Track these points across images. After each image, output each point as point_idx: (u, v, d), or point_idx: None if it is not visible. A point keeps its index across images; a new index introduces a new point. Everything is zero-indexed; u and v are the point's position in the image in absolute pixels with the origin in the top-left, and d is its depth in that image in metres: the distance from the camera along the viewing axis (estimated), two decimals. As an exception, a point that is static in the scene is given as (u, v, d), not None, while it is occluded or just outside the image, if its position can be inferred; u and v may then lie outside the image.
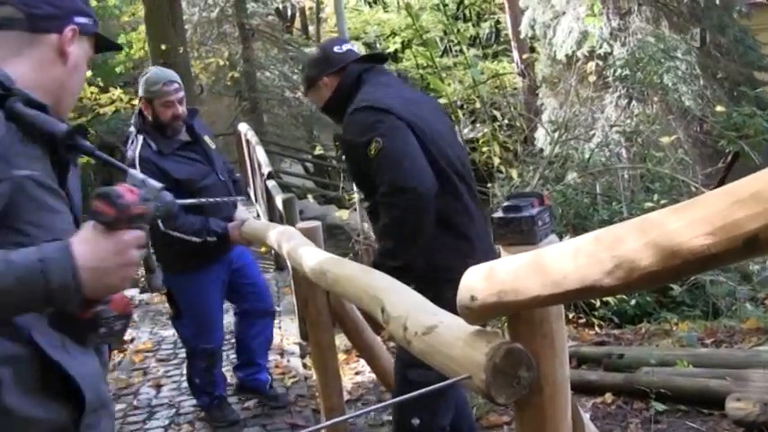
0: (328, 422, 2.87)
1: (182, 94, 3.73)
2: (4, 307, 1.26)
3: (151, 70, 3.85)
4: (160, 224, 3.48)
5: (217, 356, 4.07)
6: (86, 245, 1.31)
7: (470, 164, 2.78)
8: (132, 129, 3.76)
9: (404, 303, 1.80)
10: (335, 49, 2.70)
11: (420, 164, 2.37)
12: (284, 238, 2.99)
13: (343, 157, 2.67)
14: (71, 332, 1.41)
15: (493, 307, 1.48)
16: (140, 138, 3.65)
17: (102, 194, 1.36)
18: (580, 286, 1.20)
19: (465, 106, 14.09)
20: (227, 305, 4.21)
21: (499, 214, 1.54)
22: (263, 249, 8.60)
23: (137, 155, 3.57)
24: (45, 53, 1.58)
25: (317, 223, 3.21)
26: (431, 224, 2.40)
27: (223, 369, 4.24)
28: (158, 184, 1.47)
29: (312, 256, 2.67)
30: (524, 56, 13.55)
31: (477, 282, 1.51)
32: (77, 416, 1.45)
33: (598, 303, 5.35)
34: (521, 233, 1.52)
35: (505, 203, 1.56)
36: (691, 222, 0.92)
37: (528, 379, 1.33)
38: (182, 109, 3.71)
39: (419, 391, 1.45)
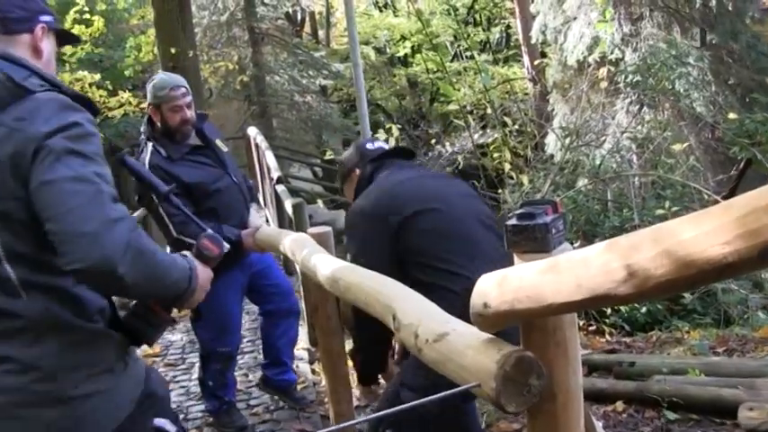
0: (337, 426, 2.87)
1: (189, 98, 3.74)
2: (161, 288, 1.75)
3: (158, 76, 3.86)
4: (173, 230, 3.49)
5: (232, 360, 4.10)
6: (199, 269, 1.95)
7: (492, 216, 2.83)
8: (142, 137, 3.77)
9: (415, 311, 1.81)
10: (368, 145, 2.92)
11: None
12: (297, 246, 3.00)
13: None
14: (148, 322, 1.94)
15: (506, 314, 1.49)
16: (149, 145, 3.66)
17: (211, 237, 2.14)
18: (594, 295, 1.20)
19: (475, 112, 14.11)
20: (250, 306, 4.24)
21: (513, 222, 1.55)
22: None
23: (146, 162, 3.57)
24: (22, 52, 1.78)
25: (328, 229, 3.22)
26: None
27: (236, 373, 4.26)
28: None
29: (325, 264, 2.68)
30: (536, 61, 13.55)
31: (491, 289, 1.52)
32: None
33: (609, 311, 5.34)
34: (534, 241, 1.52)
35: (519, 211, 1.57)
36: (707, 231, 0.93)
37: (538, 387, 1.33)
38: (190, 113, 3.72)
39: (420, 400, 1.46)
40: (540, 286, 1.34)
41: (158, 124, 3.72)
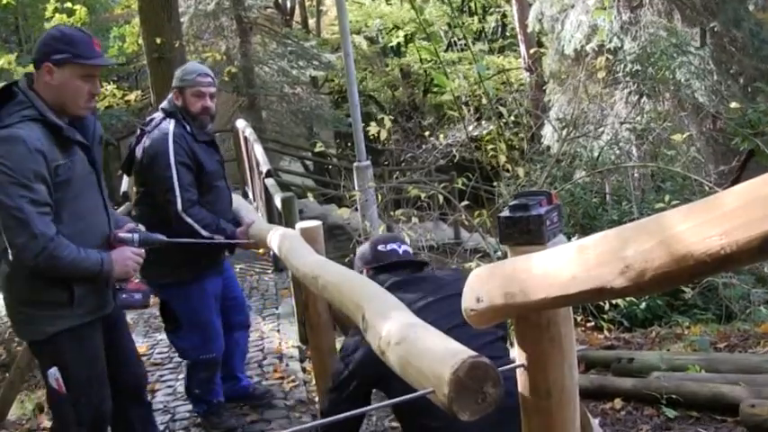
0: (320, 421, 2.86)
1: (214, 89, 3.88)
2: (75, 273, 2.72)
3: (188, 63, 4.09)
4: (179, 205, 3.62)
5: (218, 365, 4.09)
6: (113, 255, 2.84)
7: None
8: (158, 114, 3.87)
9: (383, 312, 1.80)
10: (380, 247, 2.91)
11: None
12: (282, 241, 3.00)
13: None
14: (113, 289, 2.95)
15: (499, 309, 1.48)
16: (172, 120, 3.76)
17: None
18: (589, 288, 1.20)
19: (470, 102, 14.10)
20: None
21: (506, 213, 1.54)
22: (261, 251, 8.62)
23: (171, 131, 3.69)
24: (41, 81, 2.75)
25: (318, 223, 3.21)
26: None
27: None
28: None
29: (305, 260, 2.68)
30: (532, 50, 13.55)
31: (483, 283, 1.51)
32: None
33: (607, 306, 5.34)
34: (528, 233, 1.52)
35: (513, 202, 1.56)
36: (705, 222, 0.92)
37: (494, 395, 1.30)
38: (212, 104, 3.85)
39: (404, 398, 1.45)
40: (533, 279, 1.34)
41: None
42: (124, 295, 2.93)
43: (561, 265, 1.26)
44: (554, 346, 1.52)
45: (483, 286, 1.50)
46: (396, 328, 1.68)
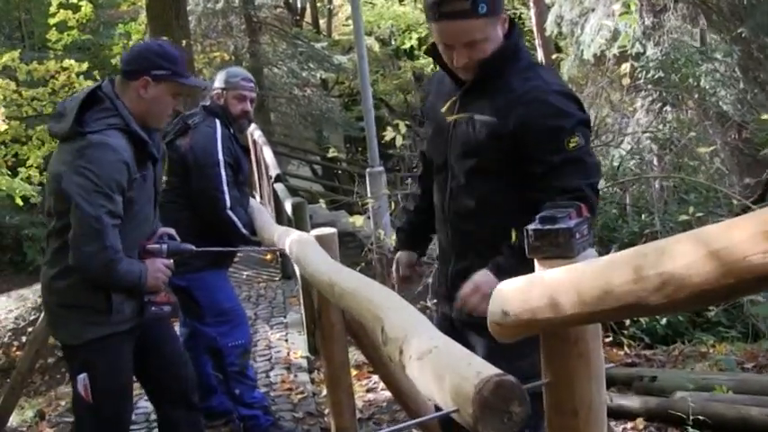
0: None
1: (254, 95, 4.08)
2: (121, 285, 2.80)
3: (232, 66, 4.41)
4: (228, 203, 3.76)
5: (249, 354, 4.16)
6: (149, 270, 2.89)
7: None
8: (199, 111, 4.01)
9: (403, 325, 1.79)
10: None
11: None
12: (296, 245, 3.01)
13: None
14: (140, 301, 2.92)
15: (527, 324, 1.49)
16: (216, 119, 3.89)
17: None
18: (623, 304, 1.20)
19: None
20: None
21: (535, 225, 1.54)
22: (268, 257, 8.64)
23: (218, 131, 3.83)
24: (131, 91, 2.83)
25: (333, 230, 3.22)
26: None
27: None
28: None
29: (320, 267, 2.68)
30: (553, 56, 13.53)
31: (511, 296, 1.52)
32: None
33: (628, 321, 5.32)
34: (557, 246, 1.51)
35: (541, 214, 1.56)
36: (749, 237, 0.92)
37: (520, 415, 1.29)
38: (251, 109, 4.04)
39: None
40: (563, 294, 1.34)
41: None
42: (153, 308, 2.96)
43: (593, 280, 1.26)
44: (582, 362, 1.52)
45: (510, 300, 1.51)
46: (417, 343, 1.68)
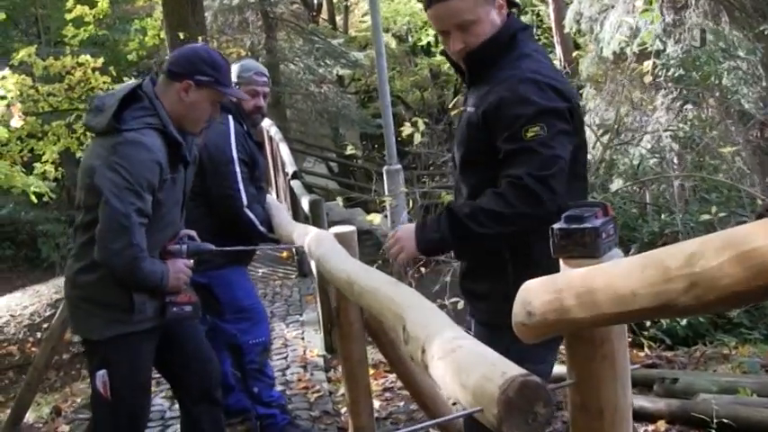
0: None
1: (268, 89, 4.07)
2: (143, 284, 2.82)
3: (245, 60, 4.26)
4: (245, 201, 3.76)
5: (269, 352, 4.17)
6: (171, 271, 2.91)
7: None
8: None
9: (425, 323, 1.79)
10: None
11: None
12: (315, 242, 3.02)
13: None
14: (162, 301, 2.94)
15: (552, 324, 1.49)
16: (229, 116, 3.88)
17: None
18: (651, 305, 1.20)
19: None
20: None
21: (560, 225, 1.54)
22: (284, 255, 8.66)
23: (231, 127, 3.82)
24: (172, 93, 2.86)
25: (352, 228, 3.23)
26: None
27: None
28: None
29: (340, 265, 2.69)
30: (574, 54, 13.47)
31: (536, 296, 1.52)
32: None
33: (648, 322, 5.29)
34: (583, 246, 1.51)
35: (567, 213, 1.56)
36: (785, 239, 0.92)
37: (546, 416, 1.29)
38: (264, 104, 4.03)
39: None
40: (590, 294, 1.34)
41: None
42: (175, 308, 2.98)
43: (620, 281, 1.26)
44: (607, 364, 1.51)
45: (535, 300, 1.50)
46: (439, 341, 1.68)
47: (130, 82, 2.96)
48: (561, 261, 1.56)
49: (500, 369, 1.37)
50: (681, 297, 1.13)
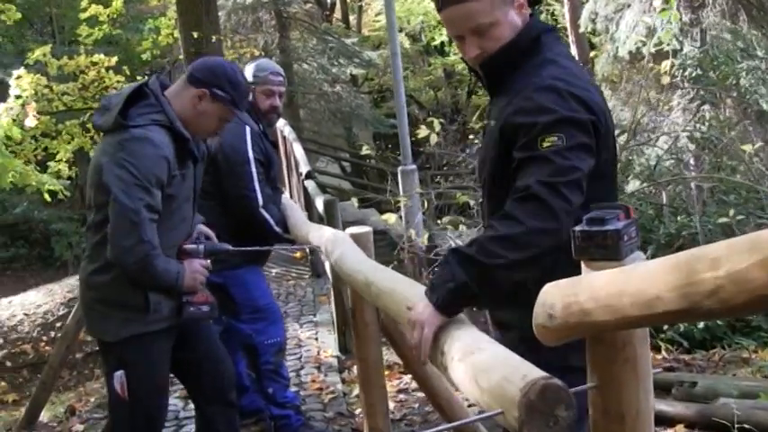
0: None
1: (283, 89, 4.06)
2: (158, 283, 2.83)
3: (261, 59, 4.27)
4: (260, 201, 3.79)
5: (284, 352, 4.19)
6: (186, 270, 2.92)
7: None
8: None
9: (444, 326, 1.80)
10: None
11: None
12: (332, 243, 3.03)
13: None
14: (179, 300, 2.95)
15: (574, 327, 1.48)
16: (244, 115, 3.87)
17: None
18: (675, 309, 1.19)
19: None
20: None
21: (582, 227, 1.53)
22: (298, 255, 8.67)
23: (246, 130, 3.82)
24: (185, 96, 2.88)
25: (368, 229, 3.23)
26: None
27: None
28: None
29: (359, 266, 2.69)
30: (592, 54, 13.42)
31: (558, 299, 1.51)
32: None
33: (665, 325, 5.27)
34: (605, 248, 1.50)
35: (588, 215, 1.55)
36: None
37: (567, 419, 1.29)
38: (280, 104, 4.03)
39: None
40: (613, 297, 1.33)
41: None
42: (191, 308, 2.99)
43: (643, 284, 1.25)
44: (628, 367, 1.51)
45: (557, 303, 1.50)
46: (460, 344, 1.68)
47: (138, 81, 2.96)
48: (582, 264, 1.56)
49: (521, 372, 1.37)
50: (706, 301, 1.12)
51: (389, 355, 4.45)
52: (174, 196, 2.84)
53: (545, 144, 1.94)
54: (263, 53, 16.25)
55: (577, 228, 1.53)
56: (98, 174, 2.77)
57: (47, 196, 9.50)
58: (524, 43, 2.13)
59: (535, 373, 1.35)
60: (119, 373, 2.87)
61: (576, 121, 1.98)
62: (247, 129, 3.83)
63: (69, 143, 11.19)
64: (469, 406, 3.54)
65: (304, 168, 8.10)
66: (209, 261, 3.07)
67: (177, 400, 4.86)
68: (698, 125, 9.85)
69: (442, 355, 1.73)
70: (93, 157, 2.91)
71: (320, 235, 3.43)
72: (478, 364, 1.54)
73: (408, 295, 2.07)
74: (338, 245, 3.03)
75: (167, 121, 2.80)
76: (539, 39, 2.15)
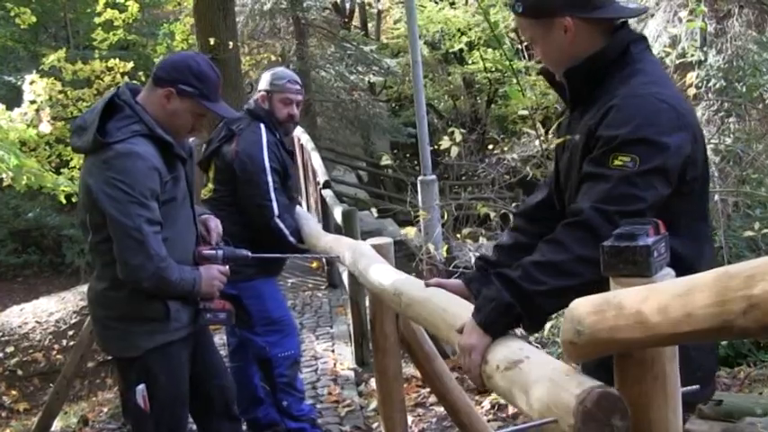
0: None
1: (301, 97, 4.11)
2: (175, 292, 2.84)
3: (278, 67, 4.35)
4: (276, 211, 3.82)
5: (299, 365, 4.19)
6: (203, 276, 2.95)
7: None
8: (243, 115, 4.03)
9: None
10: None
11: None
12: (357, 254, 3.05)
13: None
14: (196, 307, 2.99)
15: (603, 343, 1.49)
16: (261, 125, 3.94)
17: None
18: (707, 326, 1.20)
19: (535, 116, 13.98)
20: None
21: (611, 242, 1.54)
22: (314, 265, 8.69)
23: (264, 136, 3.88)
24: (154, 98, 2.83)
25: (389, 240, 3.26)
26: None
27: None
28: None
29: (386, 276, 2.72)
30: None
31: (586, 315, 1.52)
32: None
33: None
34: (634, 264, 1.50)
35: (618, 230, 1.56)
36: None
37: (622, 429, 1.30)
38: (297, 112, 4.06)
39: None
40: (643, 314, 1.34)
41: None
42: (209, 315, 3.03)
43: (674, 301, 1.26)
44: (657, 385, 1.51)
45: (585, 319, 1.51)
46: (504, 353, 1.69)
47: (107, 94, 2.89)
48: (611, 279, 1.57)
49: (576, 379, 1.39)
50: (738, 319, 1.13)
51: (407, 368, 4.46)
52: (170, 201, 2.83)
53: (616, 163, 1.87)
54: (280, 59, 16.33)
55: (606, 243, 1.54)
56: (88, 195, 2.75)
57: (62, 198, 9.57)
58: (611, 54, 2.08)
59: (590, 381, 1.37)
60: (141, 387, 2.87)
61: (657, 143, 1.88)
62: (264, 137, 3.87)
63: (83, 150, 11.24)
64: (489, 421, 3.54)
65: (321, 178, 8.12)
66: (227, 267, 3.08)
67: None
68: (723, 137, 9.80)
69: (486, 364, 1.74)
70: (81, 179, 2.87)
71: (338, 245, 3.45)
72: (528, 372, 1.55)
73: (444, 305, 2.09)
74: (363, 256, 3.05)
75: (147, 130, 2.76)
76: (627, 49, 2.08)
